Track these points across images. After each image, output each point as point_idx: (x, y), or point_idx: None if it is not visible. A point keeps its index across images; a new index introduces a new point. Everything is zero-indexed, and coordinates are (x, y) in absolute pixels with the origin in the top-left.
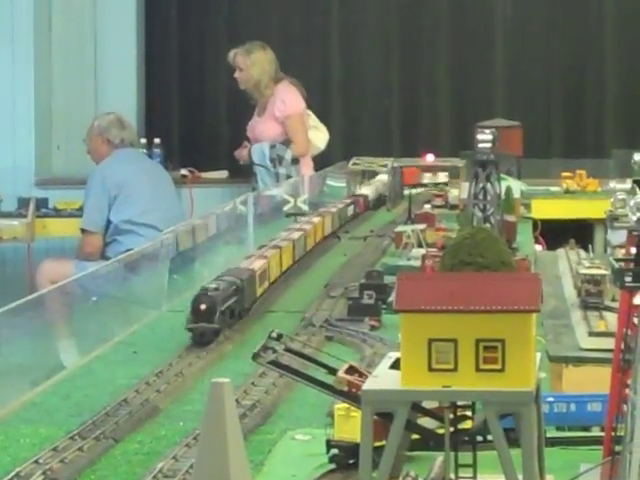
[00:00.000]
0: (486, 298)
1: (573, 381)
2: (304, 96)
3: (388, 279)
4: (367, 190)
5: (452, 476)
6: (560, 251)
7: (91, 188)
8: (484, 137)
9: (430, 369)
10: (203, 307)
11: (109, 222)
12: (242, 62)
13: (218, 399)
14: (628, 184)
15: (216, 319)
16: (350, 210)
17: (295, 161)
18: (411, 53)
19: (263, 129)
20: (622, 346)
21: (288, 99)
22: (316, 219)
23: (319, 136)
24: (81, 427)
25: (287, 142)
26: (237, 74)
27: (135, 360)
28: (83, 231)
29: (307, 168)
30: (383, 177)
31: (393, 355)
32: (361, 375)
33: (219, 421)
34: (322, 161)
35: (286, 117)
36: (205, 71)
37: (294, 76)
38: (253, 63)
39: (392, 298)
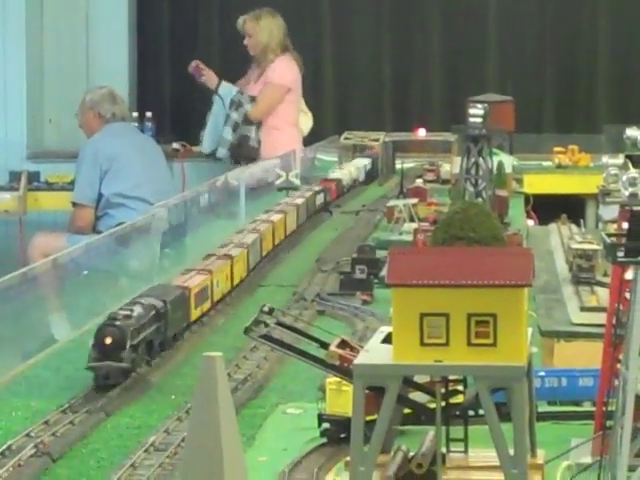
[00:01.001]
0: (478, 273)
1: (564, 356)
2: (302, 71)
3: (380, 253)
4: (340, 174)
5: (443, 450)
6: (552, 226)
7: (82, 162)
8: (476, 112)
9: (422, 343)
10: (108, 340)
11: (100, 195)
12: (251, 28)
13: (210, 373)
14: (620, 159)
15: (125, 356)
16: (320, 198)
17: (249, 122)
18: (403, 28)
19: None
20: (614, 321)
21: (281, 69)
22: (276, 217)
23: (304, 121)
24: (72, 400)
25: (254, 99)
26: (246, 41)
27: None
28: (74, 204)
29: (295, 142)
30: (359, 161)
31: (385, 329)
32: (353, 349)
33: (211, 395)
34: (314, 135)
35: (267, 82)
36: (197, 45)
37: None
38: (262, 29)
39: (384, 272)
